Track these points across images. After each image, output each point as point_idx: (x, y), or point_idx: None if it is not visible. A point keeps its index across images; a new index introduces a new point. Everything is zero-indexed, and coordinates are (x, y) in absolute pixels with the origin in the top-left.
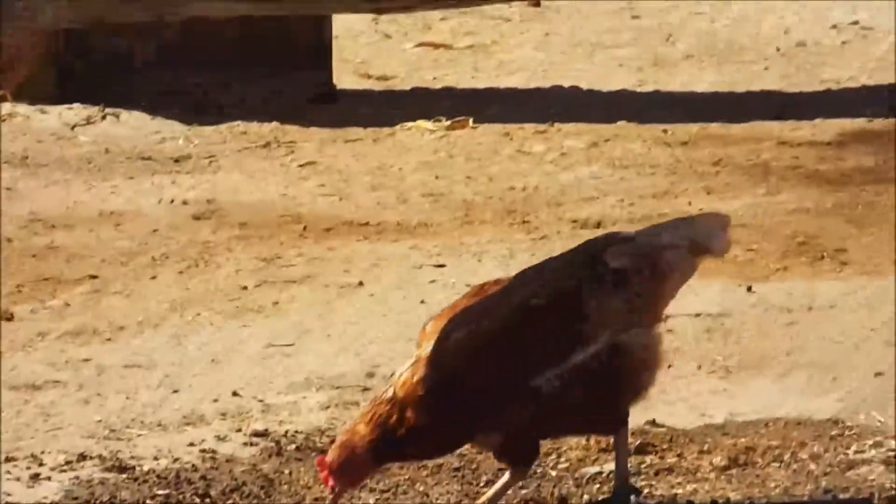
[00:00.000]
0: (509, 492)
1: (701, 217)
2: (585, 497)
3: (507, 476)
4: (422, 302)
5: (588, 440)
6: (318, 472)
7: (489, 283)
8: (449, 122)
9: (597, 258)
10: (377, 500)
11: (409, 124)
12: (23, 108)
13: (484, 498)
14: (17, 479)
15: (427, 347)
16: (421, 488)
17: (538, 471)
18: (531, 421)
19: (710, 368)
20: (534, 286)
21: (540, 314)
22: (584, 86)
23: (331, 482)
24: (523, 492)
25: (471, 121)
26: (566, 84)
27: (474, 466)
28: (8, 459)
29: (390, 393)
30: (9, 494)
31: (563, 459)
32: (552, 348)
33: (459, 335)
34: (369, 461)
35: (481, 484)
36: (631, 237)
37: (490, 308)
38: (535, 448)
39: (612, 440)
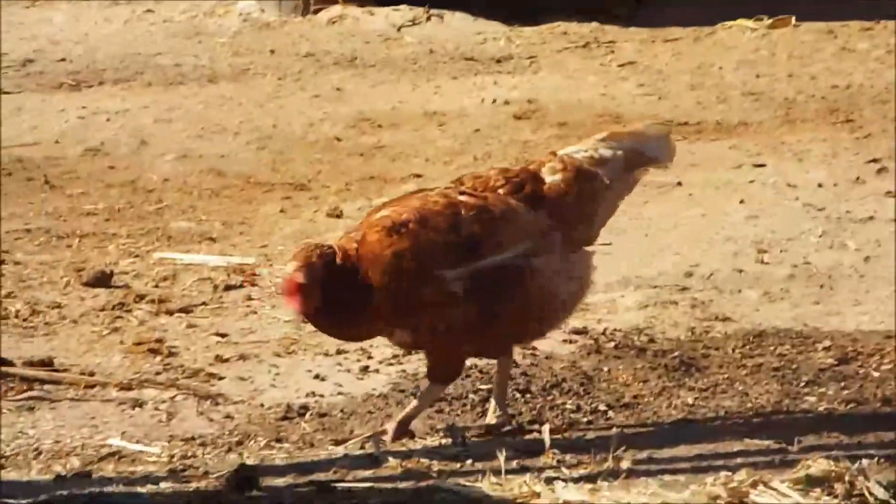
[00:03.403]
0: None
1: (642, 127)
2: None
3: (423, 391)
4: (741, 202)
5: None
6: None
7: (467, 176)
8: (770, 21)
9: (536, 173)
10: (696, 398)
11: (730, 23)
12: (352, 10)
13: (402, 414)
14: (348, 371)
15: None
16: (740, 387)
17: (860, 371)
18: (432, 324)
19: None
20: (468, 190)
21: (456, 214)
22: None
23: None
24: (845, 392)
25: (793, 19)
26: None
27: (794, 367)
28: (339, 352)
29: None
30: (340, 385)
31: (886, 360)
32: (457, 250)
33: (382, 215)
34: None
35: (801, 384)
36: (575, 152)
37: (425, 198)
38: (455, 368)
39: None
